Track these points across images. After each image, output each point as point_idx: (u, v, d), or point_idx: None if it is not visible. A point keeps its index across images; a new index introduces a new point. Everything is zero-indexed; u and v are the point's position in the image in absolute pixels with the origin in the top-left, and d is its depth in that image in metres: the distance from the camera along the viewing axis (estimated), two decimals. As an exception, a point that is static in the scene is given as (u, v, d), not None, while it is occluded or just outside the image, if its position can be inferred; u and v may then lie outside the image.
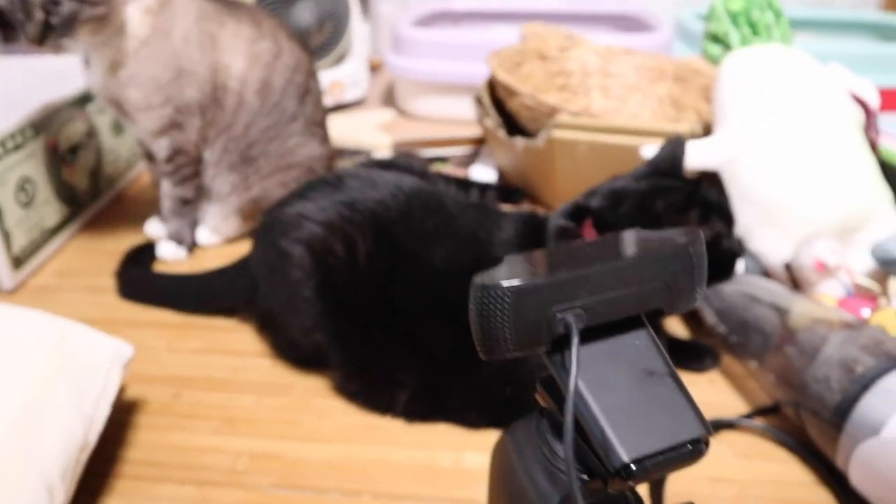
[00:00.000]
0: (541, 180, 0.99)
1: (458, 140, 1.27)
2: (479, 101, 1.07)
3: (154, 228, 0.93)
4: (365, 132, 1.27)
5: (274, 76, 0.86)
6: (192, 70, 0.80)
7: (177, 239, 0.88)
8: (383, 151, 1.20)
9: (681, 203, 0.59)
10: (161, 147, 0.82)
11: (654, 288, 0.29)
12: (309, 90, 0.90)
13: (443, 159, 1.20)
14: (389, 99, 1.50)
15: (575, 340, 0.27)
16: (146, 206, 1.03)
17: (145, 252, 0.88)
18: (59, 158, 0.90)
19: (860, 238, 0.75)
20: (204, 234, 0.90)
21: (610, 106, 1.21)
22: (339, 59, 1.42)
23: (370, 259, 0.62)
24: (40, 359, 0.50)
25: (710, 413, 0.64)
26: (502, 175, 1.08)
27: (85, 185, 0.97)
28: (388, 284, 0.62)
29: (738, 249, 0.61)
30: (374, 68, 1.64)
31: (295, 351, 0.69)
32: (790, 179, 0.75)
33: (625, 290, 0.29)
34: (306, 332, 0.64)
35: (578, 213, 0.65)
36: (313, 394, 0.67)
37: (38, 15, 0.70)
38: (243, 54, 0.84)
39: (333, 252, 0.62)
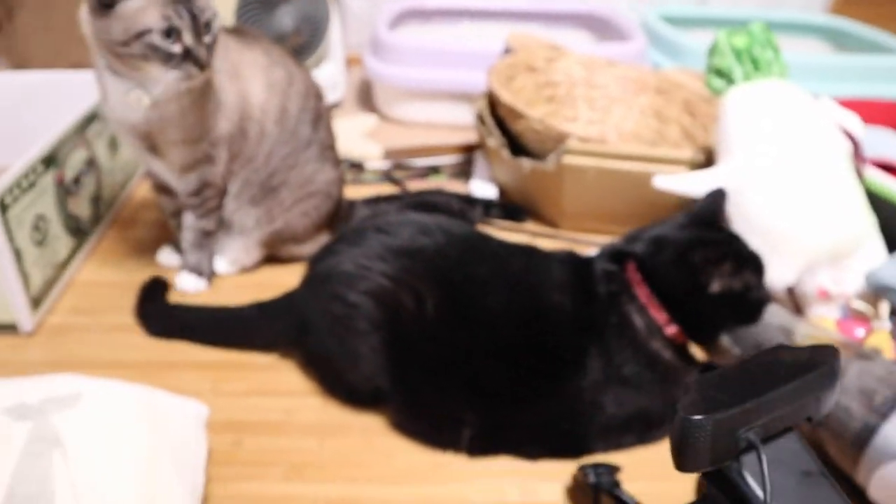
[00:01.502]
0: (546, 200, 1.04)
1: (449, 148, 1.29)
2: (480, 119, 1.10)
3: (168, 258, 0.92)
4: (352, 141, 1.27)
5: (289, 103, 0.85)
6: (224, 101, 0.79)
7: (197, 270, 0.87)
8: (374, 161, 1.21)
9: (718, 255, 0.65)
10: (189, 181, 0.81)
11: (809, 402, 0.34)
12: (320, 115, 0.90)
13: (436, 169, 1.22)
14: (366, 99, 1.50)
15: (763, 458, 0.32)
16: (144, 228, 1.01)
17: (159, 286, 0.87)
18: (65, 191, 0.87)
19: (849, 263, 0.83)
20: (222, 265, 0.90)
21: (595, 117, 1.26)
22: (318, 62, 1.41)
23: (436, 309, 0.65)
24: (142, 438, 0.51)
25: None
26: (503, 191, 1.12)
27: (87, 213, 0.94)
28: (450, 331, 0.65)
29: (766, 299, 0.67)
30: (349, 64, 1.62)
31: (350, 392, 0.71)
32: (792, 210, 0.82)
33: (790, 407, 0.34)
34: (368, 378, 0.67)
35: (620, 256, 0.70)
36: (373, 433, 0.69)
37: (207, 37, 0.71)
38: (261, 83, 0.83)
39: (404, 306, 0.64)
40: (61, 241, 0.86)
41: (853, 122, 0.89)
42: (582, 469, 0.62)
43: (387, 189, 1.12)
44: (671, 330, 0.66)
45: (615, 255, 0.70)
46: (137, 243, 0.98)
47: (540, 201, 1.05)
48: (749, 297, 0.66)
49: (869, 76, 1.41)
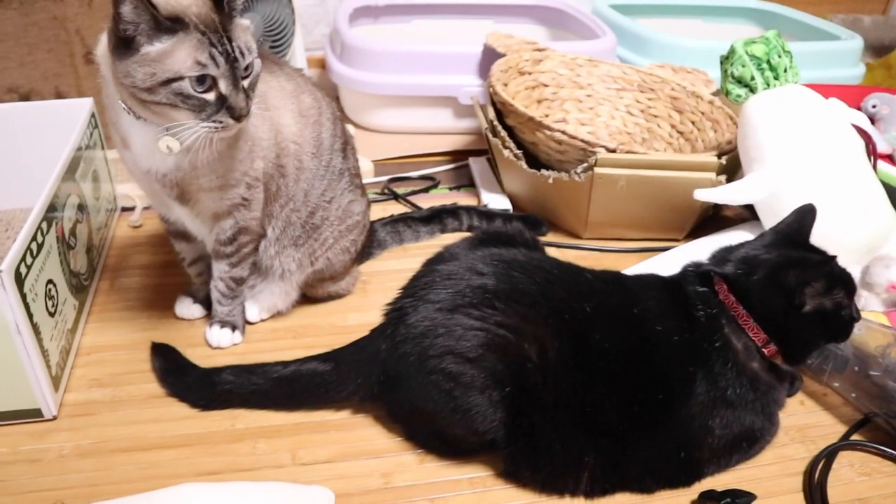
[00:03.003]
0: (570, 210, 1.02)
1: (439, 156, 1.25)
2: (491, 128, 1.06)
3: (189, 310, 0.82)
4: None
5: (323, 132, 0.78)
6: (258, 137, 0.71)
7: (230, 323, 0.78)
8: (367, 177, 1.14)
9: (811, 275, 0.65)
10: (222, 229, 0.72)
11: None
12: (347, 140, 0.84)
13: (432, 179, 1.16)
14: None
15: None
16: (136, 275, 0.90)
17: (172, 353, 0.76)
18: (67, 246, 0.76)
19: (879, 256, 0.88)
20: (254, 312, 0.81)
21: (584, 118, 1.26)
22: (283, 71, 1.31)
23: (558, 355, 0.61)
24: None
25: (812, 434, 0.73)
26: (513, 202, 1.08)
27: (85, 267, 0.82)
28: (570, 374, 0.62)
29: (856, 316, 0.69)
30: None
31: (453, 446, 0.66)
32: (830, 211, 0.85)
33: None
34: (482, 432, 0.62)
35: (709, 278, 0.69)
36: (484, 485, 0.65)
37: (246, 83, 0.62)
38: (291, 112, 0.75)
39: (529, 358, 0.60)
40: (69, 305, 0.75)
41: (862, 119, 0.94)
42: (713, 499, 0.62)
43: (391, 208, 1.06)
44: (769, 350, 0.67)
45: (704, 277, 0.69)
46: (134, 294, 0.87)
47: (561, 211, 1.03)
48: (841, 316, 0.67)
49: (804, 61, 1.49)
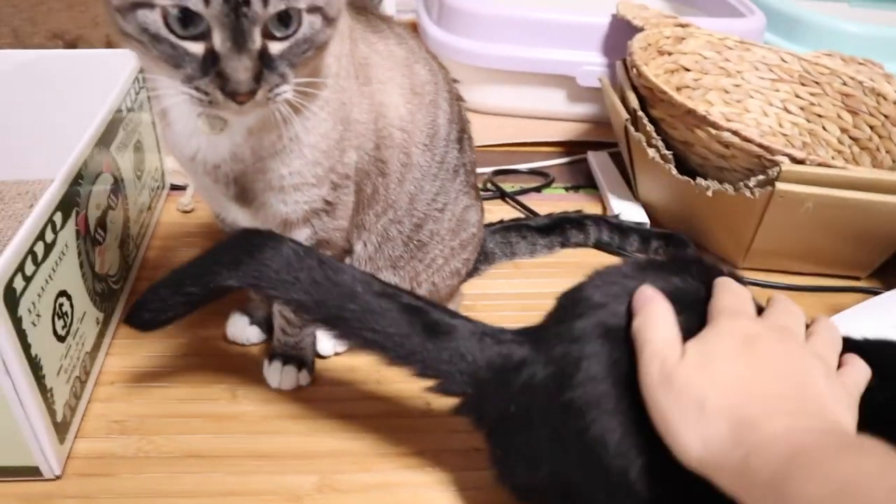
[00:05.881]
0: (727, 232, 0.79)
1: (548, 144, 1.03)
2: (634, 121, 0.83)
3: (244, 332, 0.63)
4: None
5: (439, 117, 0.58)
6: (354, 119, 0.50)
7: (296, 358, 0.59)
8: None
9: None
10: (299, 239, 0.52)
11: None
12: (464, 126, 0.63)
13: (545, 175, 0.95)
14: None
15: None
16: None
17: None
18: (91, 242, 0.57)
19: None
20: (328, 345, 0.62)
21: (731, 112, 1.02)
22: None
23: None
24: None
25: None
26: (648, 211, 0.86)
27: (115, 267, 0.64)
28: None
29: None
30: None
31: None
32: None
33: None
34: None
35: None
36: None
37: (255, 39, 0.38)
38: (400, 88, 0.55)
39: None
40: (89, 320, 0.57)
41: None
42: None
43: (495, 209, 0.86)
44: None
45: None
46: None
47: (716, 232, 0.81)
48: None
49: None
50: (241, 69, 0.37)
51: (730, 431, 0.35)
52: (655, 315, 0.40)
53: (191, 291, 0.49)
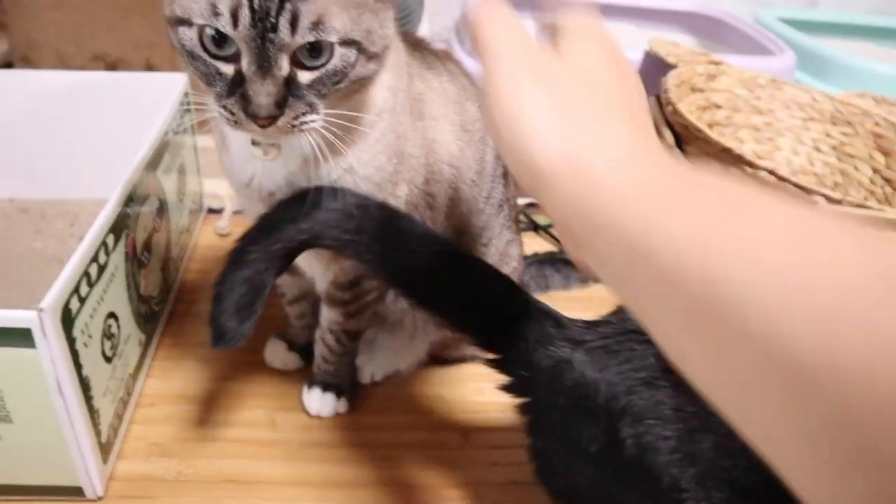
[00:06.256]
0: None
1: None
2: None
3: (282, 357, 0.63)
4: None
5: (487, 153, 0.58)
6: (408, 154, 0.51)
7: (335, 386, 0.59)
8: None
9: None
10: (344, 269, 0.53)
11: None
12: (506, 161, 0.64)
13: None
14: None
15: None
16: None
17: None
18: (138, 264, 0.58)
19: None
20: (366, 374, 0.62)
21: (761, 150, 1.02)
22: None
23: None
24: None
25: None
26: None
27: (157, 289, 0.64)
28: None
29: None
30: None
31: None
32: None
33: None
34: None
35: None
36: None
37: (282, 66, 0.39)
38: (451, 125, 0.55)
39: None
40: (132, 343, 0.57)
41: None
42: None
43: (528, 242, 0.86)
44: None
45: None
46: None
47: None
48: None
49: None
50: (262, 93, 0.38)
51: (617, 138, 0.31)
52: (498, 17, 0.36)
53: (254, 259, 0.47)
